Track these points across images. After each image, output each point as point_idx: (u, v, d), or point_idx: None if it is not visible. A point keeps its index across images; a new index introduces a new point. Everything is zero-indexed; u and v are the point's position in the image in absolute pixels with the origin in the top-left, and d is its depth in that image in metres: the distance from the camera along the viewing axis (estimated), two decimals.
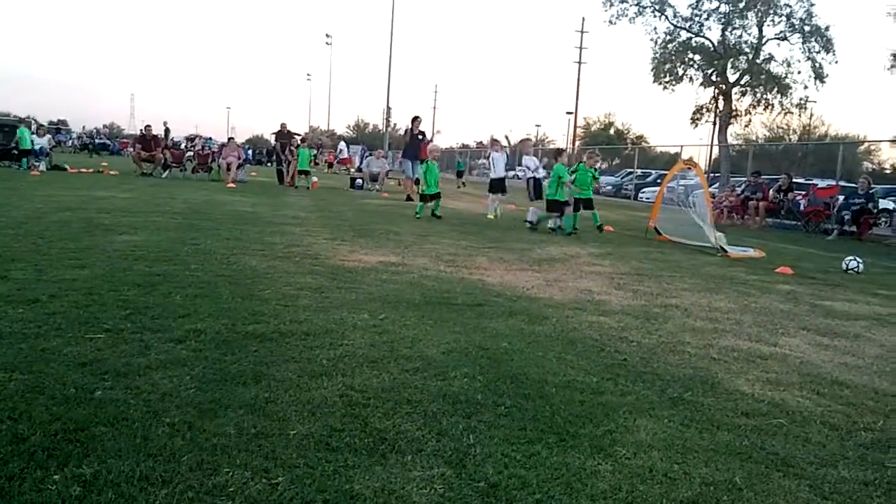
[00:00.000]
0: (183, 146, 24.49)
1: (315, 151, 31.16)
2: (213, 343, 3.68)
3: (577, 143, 49.17)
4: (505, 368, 3.58)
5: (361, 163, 27.29)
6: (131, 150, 24.19)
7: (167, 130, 27.01)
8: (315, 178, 21.37)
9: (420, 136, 17.14)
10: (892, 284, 7.82)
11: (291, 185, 20.13)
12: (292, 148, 20.71)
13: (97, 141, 49.14)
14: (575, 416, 2.97)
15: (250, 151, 38.70)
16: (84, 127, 59.69)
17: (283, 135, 21.77)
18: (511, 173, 15.75)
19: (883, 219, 15.68)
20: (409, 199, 16.13)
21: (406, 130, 17.56)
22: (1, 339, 3.50)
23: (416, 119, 17.16)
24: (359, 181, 21.81)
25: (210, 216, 10.21)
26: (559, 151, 13.28)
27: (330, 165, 36.55)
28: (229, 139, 24.07)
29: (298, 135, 23.42)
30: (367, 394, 3.06)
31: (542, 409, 3.03)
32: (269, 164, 37.16)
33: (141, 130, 21.74)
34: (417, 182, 15.76)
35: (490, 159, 15.10)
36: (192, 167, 21.95)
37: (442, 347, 3.89)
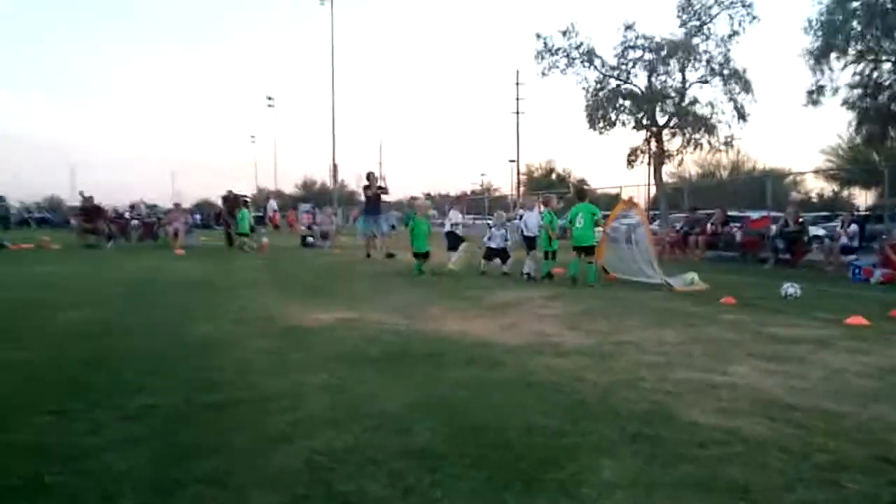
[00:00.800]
0: (126, 215, 23.95)
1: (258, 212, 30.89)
2: (168, 417, 3.59)
3: (521, 188, 50.10)
4: (466, 418, 3.59)
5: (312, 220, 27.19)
6: (75, 221, 23.57)
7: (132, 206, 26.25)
8: (265, 239, 21.19)
9: (380, 190, 16.88)
10: (828, 307, 8.14)
11: (241, 247, 19.88)
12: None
13: (37, 215, 47.80)
14: (539, 460, 2.99)
15: (198, 216, 38.03)
16: (21, 202, 57.95)
17: (231, 200, 21.63)
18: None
19: (815, 245, 16.35)
20: (390, 255, 15.84)
21: (365, 188, 16.98)
22: None
23: (370, 175, 16.91)
24: (309, 239, 21.70)
25: (159, 285, 9.99)
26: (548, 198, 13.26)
27: (276, 227, 36.14)
28: (175, 204, 23.71)
29: (246, 197, 23.27)
30: (329, 456, 3.02)
31: (507, 456, 3.04)
32: (217, 227, 36.73)
33: (83, 201, 21.19)
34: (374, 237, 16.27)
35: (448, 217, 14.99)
36: (137, 236, 21.50)
37: (402, 402, 3.87)
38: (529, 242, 12.02)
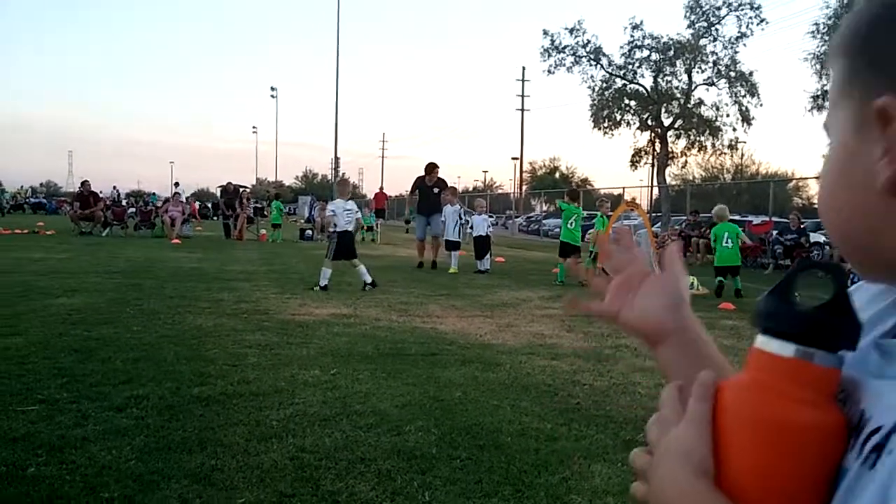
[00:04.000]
0: (125, 203, 23.92)
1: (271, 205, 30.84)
2: (156, 409, 3.54)
3: (524, 187, 50.04)
4: (459, 419, 3.54)
5: (310, 213, 27.14)
6: (68, 208, 23.51)
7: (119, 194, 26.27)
8: (263, 231, 21.17)
9: (436, 190, 13.27)
10: None
11: (239, 238, 19.86)
12: (242, 202, 20.56)
13: (32, 200, 47.75)
14: (530, 465, 2.94)
15: (197, 204, 37.95)
16: (22, 186, 58.02)
17: (230, 192, 21.58)
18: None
19: (815, 251, 16.29)
20: (420, 265, 12.60)
21: (417, 182, 13.54)
22: None
23: (433, 167, 13.30)
24: (308, 232, 21.64)
25: (153, 274, 9.94)
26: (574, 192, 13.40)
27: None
28: (174, 193, 23.65)
29: (245, 187, 23.21)
30: (318, 454, 2.97)
31: (498, 459, 2.99)
32: (214, 217, 36.72)
33: (79, 187, 21.15)
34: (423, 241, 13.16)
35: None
36: (134, 224, 21.45)
37: (396, 401, 3.83)
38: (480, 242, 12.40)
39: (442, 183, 13.55)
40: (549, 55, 27.88)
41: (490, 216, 14.74)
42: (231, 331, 5.75)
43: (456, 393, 4.04)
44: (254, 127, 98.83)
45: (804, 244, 15.71)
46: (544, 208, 43.49)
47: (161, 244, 16.91)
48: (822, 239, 19.11)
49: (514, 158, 52.05)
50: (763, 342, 0.44)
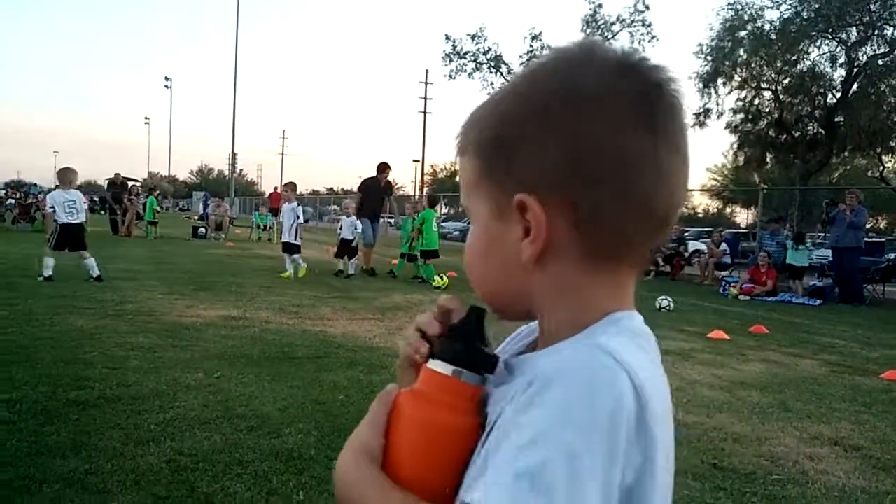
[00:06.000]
0: (2, 194, 22.40)
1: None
2: (30, 413, 3.48)
3: (425, 189, 50.52)
4: (340, 421, 3.68)
5: (204, 210, 26.32)
6: None
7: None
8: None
9: (388, 191, 12.92)
10: (697, 321, 8.77)
11: (127, 234, 19.05)
12: (131, 197, 19.72)
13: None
14: None
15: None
16: None
17: (117, 185, 20.66)
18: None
19: (695, 259, 17.47)
20: (371, 272, 11.99)
21: (365, 181, 12.65)
22: None
23: (384, 167, 12.50)
24: (201, 230, 21.02)
25: (31, 272, 9.45)
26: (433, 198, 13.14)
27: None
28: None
29: (135, 181, 22.26)
30: (196, 458, 3.04)
31: None
32: (101, 212, 34.96)
33: None
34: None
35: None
36: (12, 217, 20.11)
37: (278, 404, 3.92)
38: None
39: (389, 186, 12.93)
40: (451, 60, 28.43)
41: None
42: (113, 332, 5.63)
43: (339, 396, 4.18)
44: (146, 117, 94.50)
45: (683, 253, 16.84)
46: (444, 211, 44.11)
47: (41, 239, 15.95)
48: (702, 247, 20.51)
49: (415, 161, 52.47)
50: (431, 363, 0.60)
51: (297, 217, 11.47)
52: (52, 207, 8.80)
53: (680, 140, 0.60)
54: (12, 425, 3.30)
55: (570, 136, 0.57)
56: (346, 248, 11.60)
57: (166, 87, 70.00)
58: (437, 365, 0.60)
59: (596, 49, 0.61)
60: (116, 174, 21.23)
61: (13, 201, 21.47)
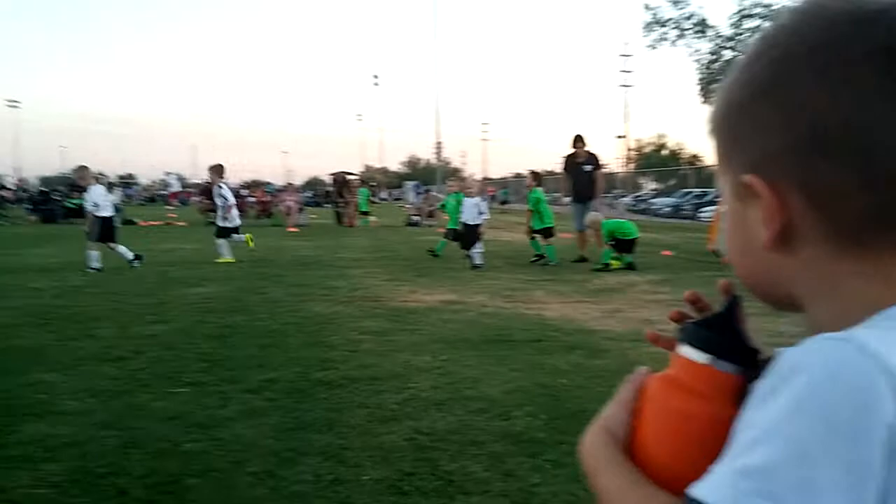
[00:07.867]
0: (244, 193, 25.48)
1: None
2: (287, 392, 3.89)
3: (631, 165, 48.76)
4: (566, 406, 3.67)
5: (416, 198, 27.82)
6: (196, 199, 25.19)
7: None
8: (373, 217, 21.97)
9: (589, 167, 11.17)
10: None
11: (350, 225, 20.74)
12: (352, 189, 21.53)
13: (170, 190, 51.16)
14: None
15: (309, 194, 39.73)
16: (156, 181, 62.66)
17: (340, 182, 22.57)
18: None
19: None
20: (584, 259, 10.96)
21: (567, 162, 11.51)
22: (97, 396, 3.80)
23: (577, 140, 11.15)
24: (415, 218, 22.20)
25: (274, 262, 10.61)
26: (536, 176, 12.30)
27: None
28: (288, 184, 24.92)
29: (355, 175, 24.13)
30: (433, 436, 3.20)
31: None
32: (326, 205, 38.37)
33: (205, 180, 22.74)
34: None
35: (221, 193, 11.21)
36: (254, 213, 22.81)
37: (503, 387, 4.00)
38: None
39: (594, 159, 11.23)
40: (652, 30, 27.03)
41: (483, 200, 11.67)
42: (347, 318, 6.12)
43: (561, 380, 4.17)
44: (359, 115, 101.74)
45: None
46: (653, 187, 42.27)
47: (279, 232, 17.89)
48: None
49: (619, 137, 50.82)
50: (683, 350, 0.57)
51: (226, 199, 11.02)
52: (95, 203, 9.59)
53: None
54: (274, 402, 3.71)
55: (800, 105, 0.51)
56: (469, 234, 10.67)
57: (375, 84, 74.80)
58: (690, 352, 0.57)
59: (828, 4, 0.52)
60: (339, 172, 23.20)
61: (254, 199, 24.23)
